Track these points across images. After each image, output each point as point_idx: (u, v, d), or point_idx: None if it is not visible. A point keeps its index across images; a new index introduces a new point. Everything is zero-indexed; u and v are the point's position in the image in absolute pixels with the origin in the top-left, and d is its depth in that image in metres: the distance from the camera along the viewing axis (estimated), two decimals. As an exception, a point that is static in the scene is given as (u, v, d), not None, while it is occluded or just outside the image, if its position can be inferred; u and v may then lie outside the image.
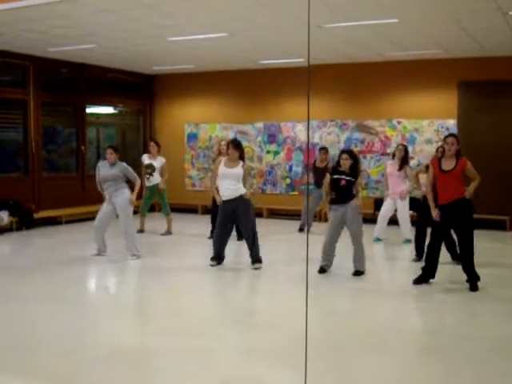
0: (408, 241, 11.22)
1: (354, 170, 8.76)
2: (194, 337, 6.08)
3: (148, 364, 5.31)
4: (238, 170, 9.06)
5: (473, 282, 7.86)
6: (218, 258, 9.35)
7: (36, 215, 13.28)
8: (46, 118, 14.29)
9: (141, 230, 12.48)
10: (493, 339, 6.01)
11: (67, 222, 13.89)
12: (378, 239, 11.54)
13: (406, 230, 11.32)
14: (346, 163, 8.68)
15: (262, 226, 13.70)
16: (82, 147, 15.09)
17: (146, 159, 12.43)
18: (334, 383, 4.96)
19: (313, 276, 8.52)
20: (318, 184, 12.60)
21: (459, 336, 6.27)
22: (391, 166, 11.30)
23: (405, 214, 11.30)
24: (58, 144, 15.00)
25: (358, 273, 8.71)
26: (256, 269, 9.07)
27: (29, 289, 8.05)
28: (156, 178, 12.32)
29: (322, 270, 8.77)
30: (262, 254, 9.25)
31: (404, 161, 11.20)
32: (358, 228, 8.69)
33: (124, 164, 9.98)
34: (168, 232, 12.51)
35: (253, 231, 9.16)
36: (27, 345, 5.81)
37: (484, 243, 11.31)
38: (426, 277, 8.10)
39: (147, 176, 12.25)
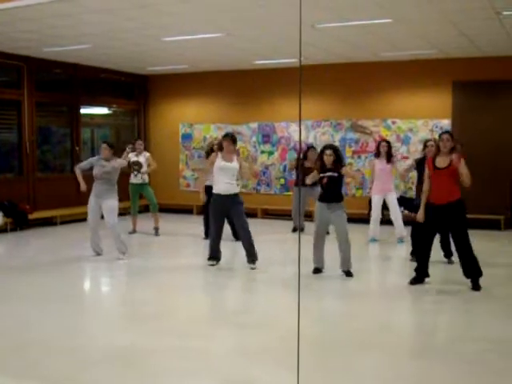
0: (401, 240, 11.26)
1: (337, 165, 8.56)
2: (188, 337, 6.09)
3: (144, 364, 5.30)
4: (235, 164, 9.14)
5: (476, 281, 7.88)
6: (216, 257, 9.37)
7: (31, 216, 13.26)
8: (40, 118, 14.26)
9: (133, 231, 12.56)
10: (488, 339, 6.01)
11: (62, 223, 13.87)
12: (374, 240, 11.50)
13: (400, 227, 11.29)
14: (329, 159, 8.52)
15: (256, 226, 13.70)
16: (77, 148, 15.07)
17: (132, 157, 12.38)
18: (327, 383, 4.97)
19: (306, 276, 8.52)
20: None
21: (454, 336, 6.28)
22: (380, 163, 11.38)
23: (397, 209, 11.31)
24: (52, 144, 14.98)
25: (350, 273, 8.62)
26: (253, 268, 9.12)
27: (23, 289, 8.03)
28: (144, 176, 12.45)
29: (317, 271, 8.75)
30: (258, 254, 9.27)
31: (389, 155, 11.38)
32: (345, 228, 8.56)
33: (118, 160, 10.13)
34: (157, 229, 12.53)
35: (248, 229, 9.21)
36: (22, 346, 5.80)
37: (479, 243, 11.26)
38: (420, 277, 8.11)
39: (135, 173, 12.32)
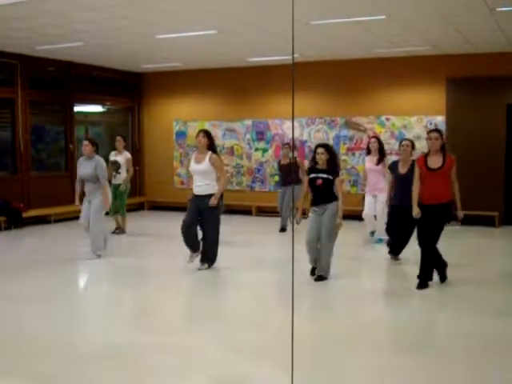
0: (380, 240, 10.86)
1: (332, 166, 8.09)
2: (182, 335, 6.12)
3: (138, 362, 5.30)
4: (205, 165, 8.72)
5: (442, 273, 7.89)
6: (190, 246, 8.96)
7: (25, 214, 13.24)
8: (34, 116, 14.23)
9: (116, 229, 12.21)
10: (481, 336, 6.05)
11: (56, 221, 13.84)
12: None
13: (381, 228, 10.80)
14: (321, 157, 8.02)
15: (251, 224, 13.77)
16: (71, 146, 15.04)
17: (112, 156, 12.14)
18: (321, 380, 4.98)
19: (300, 275, 8.41)
20: (283, 182, 12.51)
21: (446, 333, 6.34)
22: (369, 161, 11.00)
23: (382, 211, 10.71)
24: (46, 143, 14.93)
25: (320, 278, 8.15)
26: (200, 269, 8.87)
27: (17, 288, 8.02)
28: (122, 177, 12.00)
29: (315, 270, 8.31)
30: (249, 252, 9.20)
31: (381, 153, 10.87)
32: (329, 231, 8.01)
33: (99, 160, 9.69)
34: (122, 231, 12.21)
35: (215, 236, 8.93)
36: (16, 344, 5.80)
37: (474, 239, 11.38)
38: (426, 278, 7.81)
39: (114, 173, 11.89)
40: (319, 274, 8.17)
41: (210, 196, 8.70)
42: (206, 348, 5.70)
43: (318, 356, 5.52)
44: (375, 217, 11.11)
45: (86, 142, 9.79)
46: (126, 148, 12.35)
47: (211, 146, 8.93)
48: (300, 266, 8.59)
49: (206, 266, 8.95)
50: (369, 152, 11.09)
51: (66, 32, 11.01)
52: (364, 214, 11.17)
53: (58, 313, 6.93)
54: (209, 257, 8.94)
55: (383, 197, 10.56)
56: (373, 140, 11.09)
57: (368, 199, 11.11)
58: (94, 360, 5.41)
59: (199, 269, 8.88)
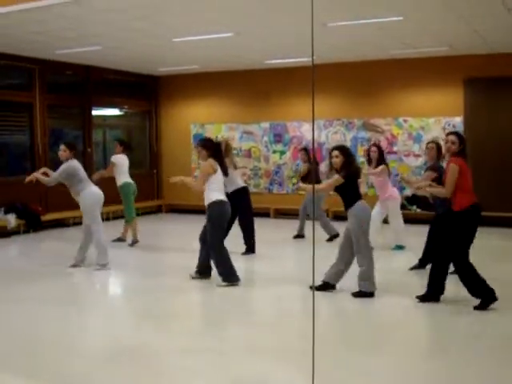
0: (399, 247, 10.52)
1: (344, 168, 7.38)
2: (200, 337, 6.12)
3: (155, 363, 5.30)
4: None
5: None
6: (200, 270, 8.62)
7: (43, 217, 13.31)
8: (52, 120, 14.31)
9: (119, 239, 11.72)
10: (498, 337, 6.03)
11: (75, 224, 13.85)
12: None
13: (398, 235, 10.55)
14: (336, 161, 7.42)
15: (269, 226, 13.75)
16: (89, 149, 15.10)
17: None
18: (342, 381, 4.96)
19: (319, 276, 8.36)
20: None
21: (464, 334, 6.28)
22: (370, 170, 10.48)
23: (395, 218, 10.47)
24: (64, 146, 14.99)
25: (360, 294, 7.48)
26: (219, 286, 8.18)
27: (36, 292, 8.06)
28: (118, 180, 11.38)
29: (325, 286, 7.72)
30: (269, 255, 9.14)
31: (380, 161, 10.27)
32: (356, 238, 7.39)
33: (65, 163, 9.28)
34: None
35: (212, 247, 8.23)
36: (33, 346, 5.84)
37: (493, 241, 11.27)
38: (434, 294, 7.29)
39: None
40: (360, 289, 7.50)
41: (207, 207, 8.38)
42: (225, 350, 5.71)
43: (338, 359, 5.48)
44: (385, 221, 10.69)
45: (62, 147, 9.23)
46: (124, 151, 11.59)
47: (213, 154, 8.41)
48: (323, 267, 8.53)
49: (197, 275, 8.54)
50: (370, 161, 10.48)
51: (84, 36, 11.07)
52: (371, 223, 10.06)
53: (75, 316, 6.99)
54: (218, 273, 8.29)
55: (392, 202, 10.33)
56: (373, 149, 10.40)
57: (377, 208, 10.44)
58: (110, 361, 5.45)
59: (191, 276, 8.58)
